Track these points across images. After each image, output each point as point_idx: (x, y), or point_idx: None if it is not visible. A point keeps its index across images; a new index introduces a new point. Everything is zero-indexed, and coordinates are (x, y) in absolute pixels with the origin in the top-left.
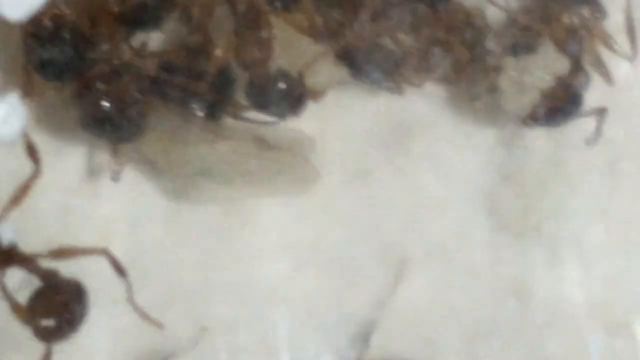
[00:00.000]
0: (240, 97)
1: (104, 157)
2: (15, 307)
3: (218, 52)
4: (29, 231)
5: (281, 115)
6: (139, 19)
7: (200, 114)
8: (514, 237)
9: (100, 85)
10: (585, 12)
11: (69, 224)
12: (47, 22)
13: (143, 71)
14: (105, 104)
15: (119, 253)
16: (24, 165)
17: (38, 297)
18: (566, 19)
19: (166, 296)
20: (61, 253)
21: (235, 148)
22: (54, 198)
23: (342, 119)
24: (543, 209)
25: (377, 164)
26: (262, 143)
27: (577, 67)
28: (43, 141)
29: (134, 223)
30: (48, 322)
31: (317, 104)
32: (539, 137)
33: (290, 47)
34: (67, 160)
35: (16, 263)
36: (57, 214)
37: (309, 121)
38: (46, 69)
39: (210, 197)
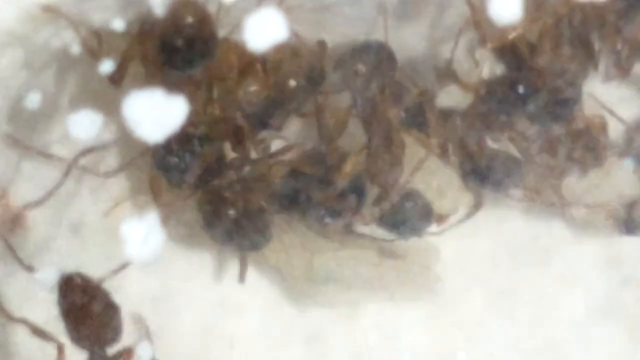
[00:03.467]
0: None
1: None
2: None
3: (348, 166)
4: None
5: (402, 234)
6: (263, 122)
7: (329, 222)
8: None
9: (227, 194)
10: None
11: (208, 342)
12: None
13: (270, 179)
14: (232, 212)
15: None
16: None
17: None
18: None
19: None
20: None
21: (357, 255)
22: (192, 316)
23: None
24: None
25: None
26: (385, 251)
27: None
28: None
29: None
30: None
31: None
32: None
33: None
34: (202, 279)
35: None
36: (194, 332)
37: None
38: (177, 177)
39: (333, 302)
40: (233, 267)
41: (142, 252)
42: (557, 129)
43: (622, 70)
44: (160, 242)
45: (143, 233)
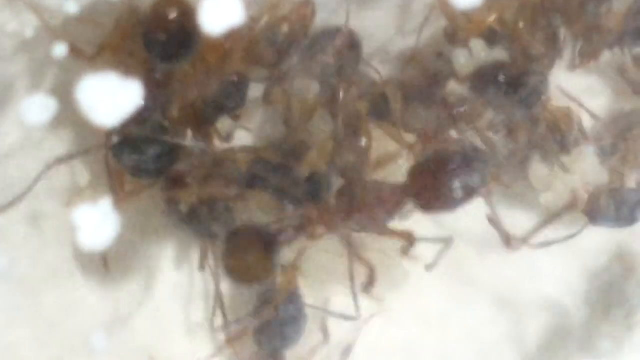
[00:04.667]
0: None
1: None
2: None
3: (313, 156)
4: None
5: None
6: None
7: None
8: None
9: (189, 182)
10: None
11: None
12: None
13: (235, 166)
14: (194, 201)
15: None
16: None
17: None
18: None
19: None
20: None
21: (320, 246)
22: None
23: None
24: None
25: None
26: (353, 245)
27: None
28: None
29: None
30: None
31: None
32: None
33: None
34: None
35: None
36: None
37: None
38: (137, 169)
39: None
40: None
41: (95, 239)
42: (524, 119)
43: (586, 59)
44: (114, 230)
45: (96, 220)
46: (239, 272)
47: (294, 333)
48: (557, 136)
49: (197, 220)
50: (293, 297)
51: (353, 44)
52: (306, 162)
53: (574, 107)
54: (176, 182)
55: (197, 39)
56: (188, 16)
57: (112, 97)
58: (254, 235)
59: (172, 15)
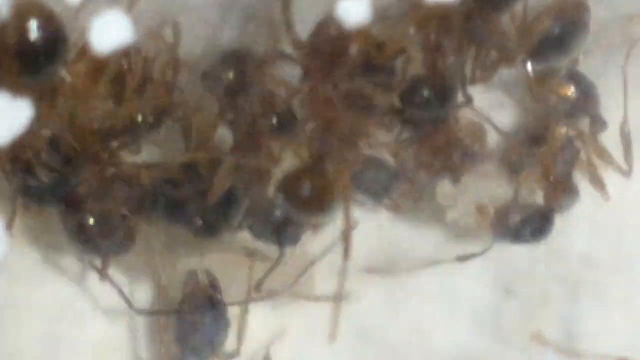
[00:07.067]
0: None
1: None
2: None
3: (221, 173)
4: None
5: (277, 242)
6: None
7: (195, 228)
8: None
9: (86, 205)
10: (586, 123)
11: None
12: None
13: (137, 182)
14: (90, 222)
15: None
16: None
17: None
18: (563, 130)
19: None
20: None
21: (226, 259)
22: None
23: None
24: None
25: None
26: (255, 255)
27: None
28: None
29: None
30: None
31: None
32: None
33: None
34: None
35: None
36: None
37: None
38: (31, 194)
39: None
40: (79, 272)
41: None
42: (433, 135)
43: (484, 75)
44: (5, 247)
45: None
46: None
47: (215, 337)
48: (464, 152)
49: (91, 237)
50: (213, 301)
51: (256, 63)
52: (216, 183)
53: (480, 122)
54: (72, 200)
55: (62, 48)
56: (50, 24)
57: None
58: None
59: (32, 23)
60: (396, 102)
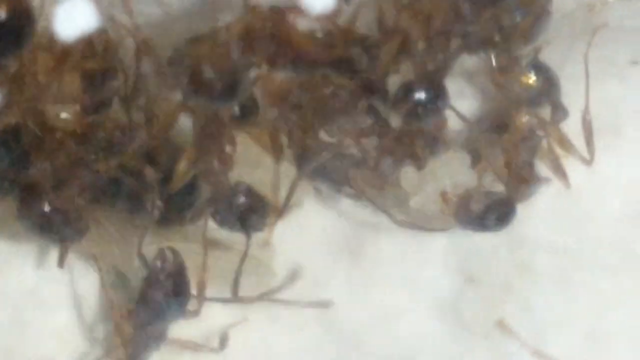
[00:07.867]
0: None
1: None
2: None
3: (182, 163)
4: None
5: (242, 229)
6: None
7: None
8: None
9: (42, 191)
10: (548, 112)
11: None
12: None
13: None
14: (46, 209)
15: None
16: None
17: None
18: (525, 119)
19: None
20: None
21: (181, 248)
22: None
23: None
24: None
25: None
26: (216, 245)
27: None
28: None
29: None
30: None
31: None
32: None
33: (256, 165)
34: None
35: None
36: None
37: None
38: None
39: None
40: (43, 258)
41: None
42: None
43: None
44: None
45: None
46: None
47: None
48: (427, 139)
49: (49, 225)
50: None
51: None
52: (177, 172)
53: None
54: (30, 189)
55: (28, 30)
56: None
57: None
58: None
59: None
60: (357, 88)
